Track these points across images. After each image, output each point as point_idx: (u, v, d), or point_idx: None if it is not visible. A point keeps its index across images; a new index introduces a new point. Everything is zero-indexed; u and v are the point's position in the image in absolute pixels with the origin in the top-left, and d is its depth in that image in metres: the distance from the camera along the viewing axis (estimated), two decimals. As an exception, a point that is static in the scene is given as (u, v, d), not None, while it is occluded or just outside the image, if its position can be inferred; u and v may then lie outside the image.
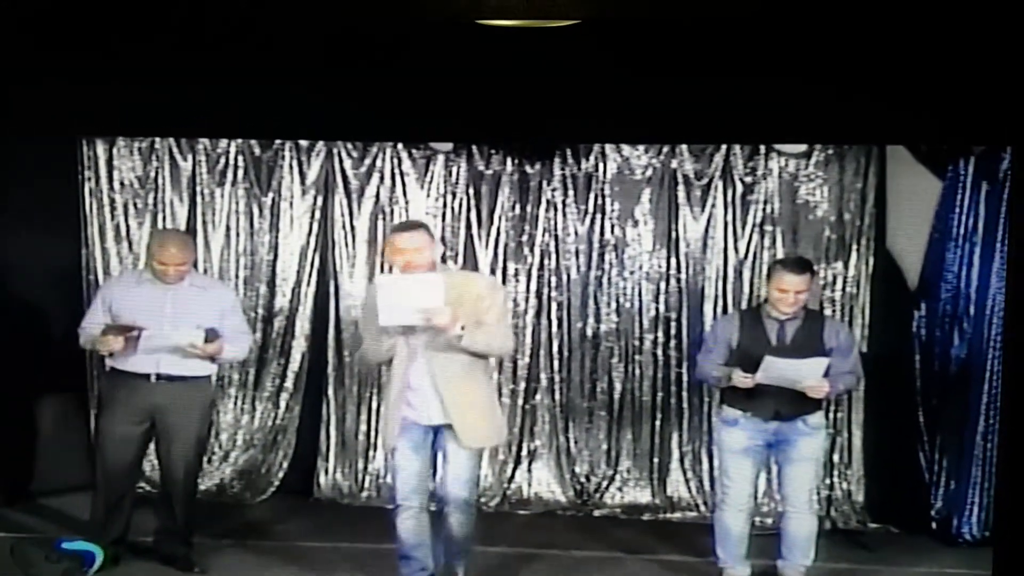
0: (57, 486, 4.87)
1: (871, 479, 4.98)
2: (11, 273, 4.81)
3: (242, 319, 4.20)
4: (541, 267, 5.14)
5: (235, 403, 5.25)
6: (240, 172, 5.21)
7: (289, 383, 5.21)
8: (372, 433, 5.20)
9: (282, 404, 5.22)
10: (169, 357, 3.89)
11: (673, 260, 5.07)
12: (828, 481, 4.92)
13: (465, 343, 3.56)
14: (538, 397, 5.16)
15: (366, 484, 5.19)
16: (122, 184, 5.22)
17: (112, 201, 5.23)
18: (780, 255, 4.89)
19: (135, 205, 5.24)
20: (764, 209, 5.01)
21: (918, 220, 4.85)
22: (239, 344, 4.10)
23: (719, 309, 5.01)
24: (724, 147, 5.00)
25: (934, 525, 4.75)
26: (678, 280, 5.07)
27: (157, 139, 5.19)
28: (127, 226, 5.22)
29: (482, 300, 3.65)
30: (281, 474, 5.21)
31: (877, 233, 4.96)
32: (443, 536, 3.80)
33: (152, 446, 4.12)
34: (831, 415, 4.82)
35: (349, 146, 5.17)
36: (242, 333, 4.13)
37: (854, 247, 4.96)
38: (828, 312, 4.82)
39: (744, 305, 4.92)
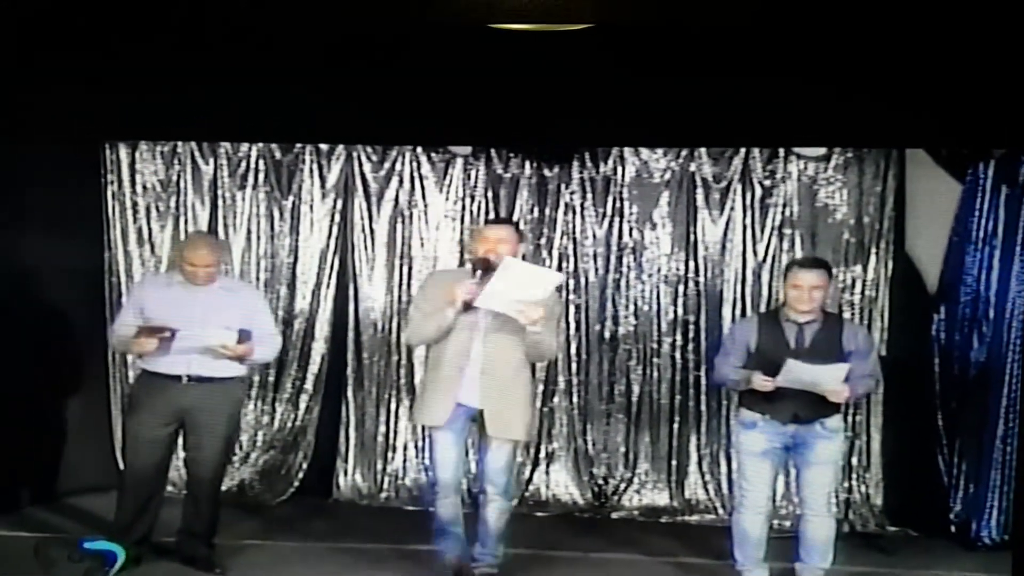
0: (80, 486, 4.92)
1: (890, 482, 4.98)
2: (35, 276, 4.86)
3: (271, 321, 4.24)
4: (559, 270, 5.13)
5: (255, 404, 5.28)
6: (261, 176, 5.26)
7: (309, 385, 5.25)
8: (391, 434, 5.24)
9: (302, 406, 5.26)
10: (200, 358, 3.91)
11: (691, 263, 5.07)
12: (847, 484, 4.91)
13: (532, 337, 3.72)
14: (556, 399, 5.18)
15: (385, 485, 5.22)
16: (144, 188, 5.28)
17: (134, 204, 5.28)
18: (796, 256, 4.90)
19: (157, 208, 5.29)
20: (783, 212, 5.01)
21: (937, 223, 4.84)
22: (268, 345, 4.13)
23: (738, 312, 5.02)
24: (743, 150, 5.01)
25: (953, 528, 4.74)
26: (696, 283, 5.08)
27: (179, 143, 5.24)
28: (149, 229, 5.27)
29: (550, 300, 3.81)
30: (301, 475, 5.24)
31: (896, 236, 4.95)
32: (479, 533, 3.92)
33: (180, 447, 4.14)
34: (850, 418, 4.82)
35: (369, 150, 5.21)
36: (270, 335, 4.16)
37: (873, 250, 4.95)
38: (847, 315, 4.82)
39: (763, 308, 4.93)
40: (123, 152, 5.27)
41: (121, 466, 4.14)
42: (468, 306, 3.73)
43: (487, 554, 3.95)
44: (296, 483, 5.22)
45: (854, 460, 4.95)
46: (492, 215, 5.06)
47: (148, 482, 4.03)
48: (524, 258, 4.35)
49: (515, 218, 5.03)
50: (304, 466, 5.24)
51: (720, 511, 4.99)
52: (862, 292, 4.95)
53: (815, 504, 3.94)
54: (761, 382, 3.79)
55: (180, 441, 4.09)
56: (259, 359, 4.18)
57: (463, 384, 3.77)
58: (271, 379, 5.26)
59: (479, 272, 3.76)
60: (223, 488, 5.09)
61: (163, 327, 3.86)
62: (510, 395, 3.80)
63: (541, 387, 5.11)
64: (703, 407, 5.07)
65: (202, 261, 3.96)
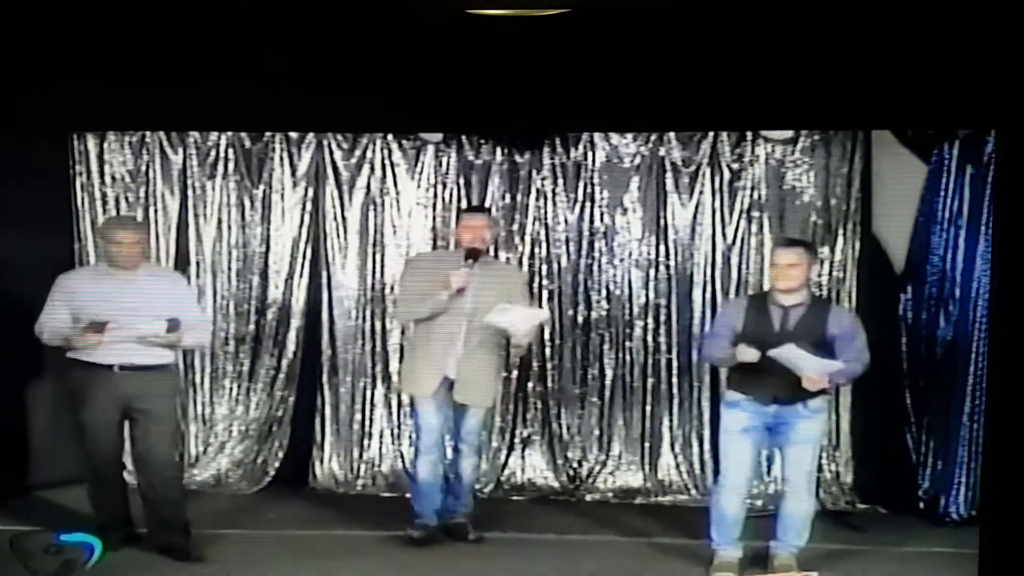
0: (53, 479, 4.89)
1: (859, 460, 5.04)
2: (3, 268, 4.82)
3: (199, 307, 4.31)
4: (532, 256, 5.16)
5: (230, 394, 5.28)
6: (231, 165, 5.22)
7: (283, 374, 5.24)
8: (367, 422, 5.25)
9: (277, 395, 5.25)
10: (131, 347, 3.95)
11: (662, 247, 5.10)
12: (817, 463, 4.98)
13: (520, 342, 4.42)
14: (530, 384, 5.21)
15: (362, 472, 5.23)
16: (113, 178, 5.23)
17: (104, 195, 5.23)
18: (767, 241, 4.94)
19: (127, 199, 5.24)
20: (751, 195, 5.04)
21: (903, 204, 4.88)
22: (199, 331, 4.20)
23: (708, 295, 5.06)
24: (711, 134, 5.03)
25: (921, 505, 4.82)
26: (667, 267, 5.11)
27: (147, 133, 5.19)
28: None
29: (516, 291, 4.34)
30: (277, 464, 5.24)
31: (863, 218, 4.99)
32: (452, 487, 4.38)
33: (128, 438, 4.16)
34: (829, 407, 4.86)
35: (339, 137, 5.19)
36: (201, 320, 4.23)
37: (840, 232, 5.00)
38: (842, 306, 4.80)
39: (733, 291, 4.98)
40: (91, 143, 5.22)
41: (86, 458, 4.14)
42: (461, 291, 4.15)
43: (460, 505, 4.39)
44: (272, 472, 5.22)
45: (824, 439, 5.00)
46: (467, 203, 5.08)
47: (110, 467, 4.08)
48: (496, 243, 4.79)
49: (487, 205, 5.07)
50: (280, 455, 5.25)
51: (693, 491, 5.05)
52: (830, 273, 5.00)
53: (796, 483, 4.01)
54: (745, 350, 3.84)
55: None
56: (190, 345, 4.25)
57: (451, 359, 4.17)
58: (245, 368, 5.25)
59: (470, 260, 4.18)
60: (200, 478, 5.18)
61: (102, 321, 3.88)
62: (487, 370, 4.28)
63: (516, 372, 5.14)
64: (675, 389, 5.12)
65: (127, 239, 4.00)
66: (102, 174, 5.23)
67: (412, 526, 4.34)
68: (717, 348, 4.03)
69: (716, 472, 4.34)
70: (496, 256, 4.85)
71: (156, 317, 3.95)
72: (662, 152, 5.08)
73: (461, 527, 4.37)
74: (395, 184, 5.20)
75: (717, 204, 5.07)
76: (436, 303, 4.18)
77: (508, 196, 5.16)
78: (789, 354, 3.83)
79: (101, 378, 3.98)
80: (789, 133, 4.97)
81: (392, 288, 5.13)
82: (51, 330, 4.04)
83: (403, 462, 5.19)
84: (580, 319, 5.16)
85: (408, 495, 4.55)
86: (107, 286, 4.00)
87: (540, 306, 5.11)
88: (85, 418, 4.05)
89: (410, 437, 4.91)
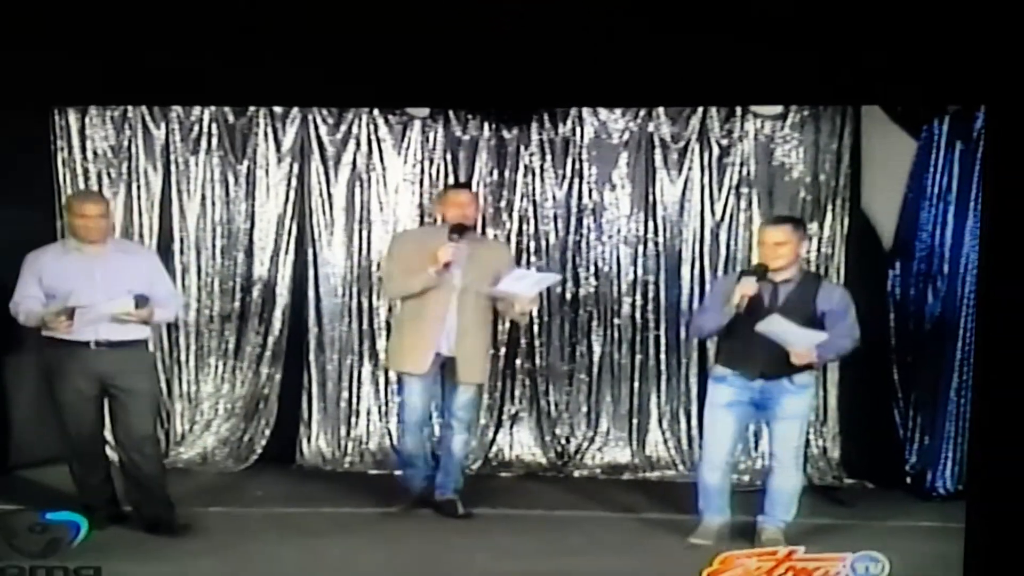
0: (37, 458, 4.85)
1: (846, 436, 5.06)
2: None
3: (169, 281, 4.27)
4: (520, 232, 5.14)
5: (215, 372, 5.25)
6: (214, 140, 5.17)
7: (269, 352, 5.21)
8: (354, 399, 5.23)
9: (263, 372, 5.23)
10: (106, 324, 3.93)
11: (651, 223, 5.09)
12: (804, 438, 5.00)
13: (524, 308, 4.25)
14: (518, 361, 5.20)
15: (349, 450, 5.22)
16: (95, 154, 5.17)
17: (86, 171, 5.17)
18: (756, 217, 4.93)
19: (109, 175, 5.18)
20: (740, 171, 5.03)
21: (893, 180, 4.88)
22: (170, 306, 4.18)
23: (696, 272, 5.06)
24: (700, 110, 5.01)
25: (908, 480, 4.85)
26: (656, 243, 5.10)
27: (129, 107, 5.12)
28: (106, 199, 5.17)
29: (505, 264, 4.33)
30: (264, 442, 5.22)
31: (852, 193, 4.99)
32: (442, 462, 4.39)
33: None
34: (816, 383, 4.88)
35: (324, 112, 5.14)
36: (171, 295, 4.22)
37: (829, 207, 5.00)
38: (832, 282, 4.77)
39: (722, 268, 4.98)
40: (72, 117, 5.15)
41: (65, 437, 4.10)
42: (447, 265, 4.14)
43: (449, 482, 4.38)
44: (259, 450, 5.20)
45: (811, 415, 5.02)
46: (452, 179, 5.05)
47: (90, 445, 4.06)
48: (483, 220, 4.85)
49: (474, 181, 5.04)
50: (267, 433, 5.22)
51: (680, 467, 5.07)
52: (818, 249, 5.00)
53: (783, 458, 4.03)
54: (746, 285, 3.82)
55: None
56: (161, 320, 4.21)
57: (443, 335, 4.17)
58: (231, 346, 5.22)
59: (455, 235, 4.15)
60: (186, 456, 5.16)
61: (71, 307, 3.87)
62: (478, 345, 4.28)
63: (504, 350, 5.14)
64: (663, 366, 5.12)
65: (92, 211, 3.98)
66: (84, 149, 5.16)
67: (402, 499, 4.37)
68: (709, 320, 4.03)
69: (701, 452, 4.34)
70: (483, 232, 4.84)
71: (127, 292, 3.93)
72: (651, 128, 5.06)
73: (450, 503, 4.36)
74: (381, 160, 5.16)
75: (706, 180, 5.06)
76: (425, 278, 4.16)
77: (496, 172, 5.13)
78: (775, 326, 3.82)
79: (77, 355, 3.95)
80: (779, 108, 4.95)
81: (378, 265, 5.11)
82: (26, 311, 4.00)
83: (390, 439, 5.19)
84: (568, 296, 5.15)
85: (396, 472, 4.59)
86: (76, 262, 3.97)
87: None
88: (63, 396, 4.01)
89: (397, 413, 4.90)
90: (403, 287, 4.28)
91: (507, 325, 5.13)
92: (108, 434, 4.23)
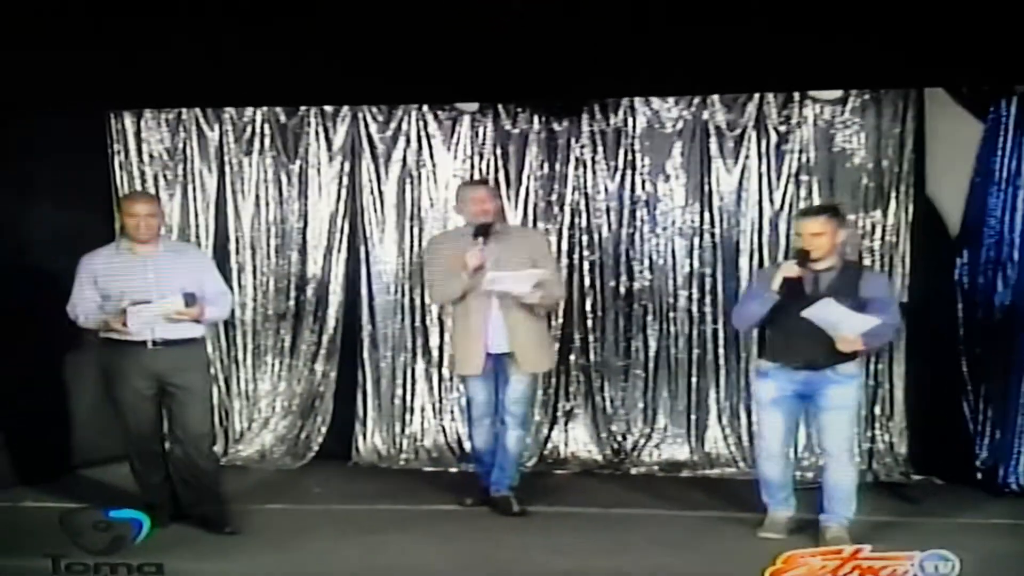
0: (100, 456, 4.94)
1: (914, 430, 4.92)
2: (45, 249, 4.85)
3: (220, 280, 4.30)
4: (572, 226, 5.09)
5: (272, 370, 5.30)
6: (267, 140, 5.21)
7: (324, 349, 5.24)
8: (408, 396, 5.23)
9: (318, 370, 5.26)
10: (162, 323, 3.98)
11: (706, 214, 4.99)
12: (870, 434, 4.87)
13: (532, 300, 4.19)
14: (572, 357, 5.14)
15: (404, 447, 5.23)
16: (151, 156, 5.26)
17: (142, 174, 5.26)
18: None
19: (165, 177, 5.27)
20: (799, 159, 4.91)
21: (959, 164, 4.72)
22: (221, 304, 4.21)
23: (755, 263, 4.94)
24: (757, 96, 4.89)
25: (979, 475, 4.69)
26: (712, 235, 5.00)
27: (183, 110, 5.20)
28: (158, 198, 5.24)
29: (540, 253, 4.31)
30: (320, 439, 5.25)
31: (916, 179, 4.84)
32: (498, 461, 4.37)
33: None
34: (872, 366, 4.78)
35: (374, 110, 5.14)
36: (222, 293, 4.24)
37: (893, 194, 4.85)
38: (867, 262, 4.74)
39: (780, 258, 4.85)
40: (128, 121, 5.24)
41: (125, 435, 4.17)
42: (479, 269, 4.12)
43: (504, 479, 4.37)
44: (316, 447, 5.24)
45: (877, 409, 4.90)
46: (468, 176, 5.02)
47: (151, 443, 4.13)
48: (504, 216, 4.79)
49: (486, 176, 5.02)
50: (323, 430, 5.25)
51: (740, 464, 4.96)
52: (882, 238, 4.86)
53: (834, 451, 3.96)
54: (787, 266, 3.81)
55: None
56: (213, 318, 4.24)
57: (490, 333, 4.20)
58: (286, 344, 5.27)
59: (480, 238, 4.14)
60: (244, 454, 5.22)
61: (123, 308, 3.93)
62: (532, 335, 4.27)
63: (557, 345, 5.08)
64: (721, 360, 5.03)
65: (142, 210, 4.03)
66: (140, 152, 5.25)
67: (477, 494, 4.42)
68: (750, 308, 3.97)
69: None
70: (514, 223, 4.82)
71: (179, 290, 3.98)
72: (705, 116, 4.95)
73: (505, 500, 4.35)
74: (431, 156, 5.15)
75: (764, 168, 4.94)
76: (461, 284, 4.17)
77: (546, 165, 5.08)
78: (826, 311, 3.73)
79: (135, 355, 4.01)
80: (838, 93, 4.81)
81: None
82: (84, 313, 4.08)
83: (445, 436, 5.19)
84: (622, 290, 5.08)
85: (456, 469, 4.75)
86: (128, 262, 4.04)
87: (581, 277, 5.07)
88: (122, 396, 4.08)
89: (462, 411, 4.95)
90: (444, 293, 4.34)
91: (560, 321, 5.09)
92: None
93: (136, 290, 3.97)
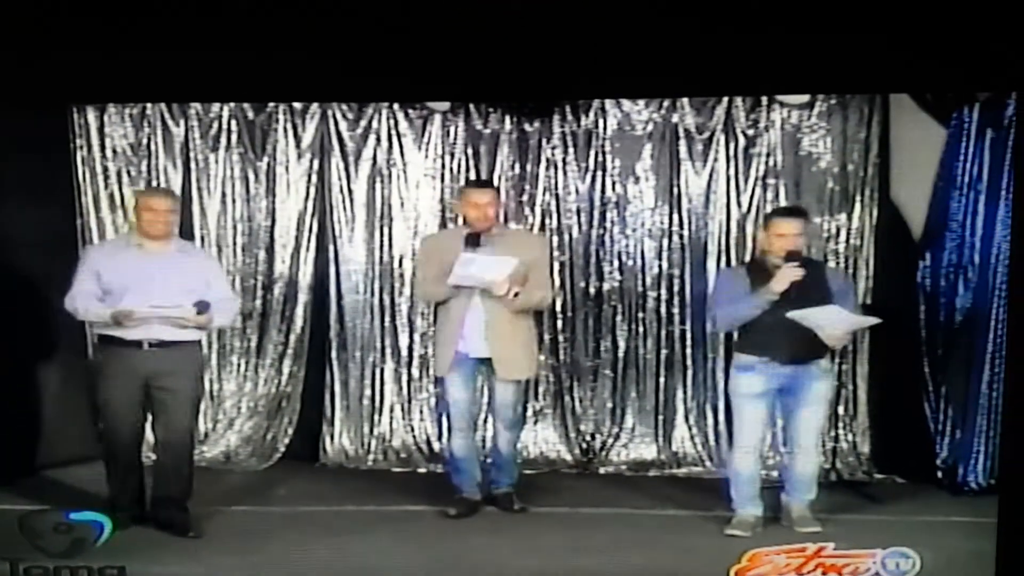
0: (61, 458, 4.87)
1: (876, 430, 5.00)
2: (6, 245, 4.76)
3: (228, 285, 4.27)
4: (543, 227, 5.09)
5: (238, 370, 5.23)
6: (234, 137, 5.14)
7: (292, 349, 5.20)
8: (376, 397, 5.20)
9: (285, 370, 5.21)
10: (159, 324, 3.91)
11: (675, 216, 5.02)
12: (833, 433, 4.94)
13: (516, 305, 4.16)
14: (541, 357, 5.14)
15: (372, 447, 5.20)
16: (115, 152, 5.16)
17: (105, 169, 5.16)
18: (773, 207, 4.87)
19: (129, 173, 5.17)
20: (767, 162, 4.96)
21: (922, 169, 4.80)
22: (227, 311, 4.15)
23: (723, 264, 4.98)
24: (725, 99, 4.93)
25: (940, 474, 4.77)
26: (681, 236, 5.04)
27: (148, 105, 5.11)
28: (121, 195, 5.16)
29: (536, 257, 4.27)
30: (287, 440, 5.20)
31: (881, 183, 4.91)
32: (495, 460, 4.43)
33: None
34: (835, 367, 4.83)
35: (344, 107, 5.10)
36: (229, 299, 4.18)
37: (858, 198, 4.92)
38: (831, 264, 4.82)
39: (748, 260, 4.90)
40: (91, 115, 5.14)
41: (100, 435, 4.14)
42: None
43: (504, 476, 4.43)
44: (282, 448, 5.19)
45: (840, 409, 4.96)
46: (474, 176, 5.01)
47: (131, 446, 4.05)
48: (506, 218, 4.77)
49: (495, 175, 5.00)
50: (290, 431, 5.21)
51: (707, 463, 5.01)
52: (847, 240, 4.93)
53: (806, 442, 4.10)
54: (790, 270, 3.88)
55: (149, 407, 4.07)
56: (220, 325, 4.19)
57: (463, 335, 4.18)
58: (253, 344, 5.21)
59: (470, 248, 4.12)
60: (209, 455, 5.16)
61: (127, 310, 3.85)
62: (515, 340, 4.24)
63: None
64: (689, 360, 5.06)
65: (161, 206, 3.97)
66: (103, 147, 5.15)
67: (452, 502, 4.35)
68: (742, 310, 4.01)
69: (731, 441, 4.40)
70: (507, 224, 4.79)
71: (189, 292, 3.92)
72: (675, 119, 4.99)
73: (506, 497, 4.40)
74: (402, 155, 5.11)
75: (732, 171, 4.98)
76: (445, 291, 4.18)
77: (517, 166, 5.08)
78: (828, 314, 3.87)
79: (128, 355, 3.93)
80: (805, 97, 4.87)
81: (400, 261, 5.10)
82: (84, 305, 3.98)
83: (414, 437, 5.16)
84: (592, 290, 5.09)
85: (425, 469, 4.77)
86: (136, 259, 3.95)
87: (551, 278, 5.06)
88: (109, 394, 4.01)
89: (431, 412, 5.00)
90: (428, 294, 4.38)
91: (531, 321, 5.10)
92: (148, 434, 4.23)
93: (140, 289, 3.88)
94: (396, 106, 5.06)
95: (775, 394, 4.08)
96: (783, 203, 4.90)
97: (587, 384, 5.15)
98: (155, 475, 4.13)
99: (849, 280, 4.29)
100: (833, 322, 3.94)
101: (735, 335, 4.30)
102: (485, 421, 4.86)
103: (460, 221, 4.45)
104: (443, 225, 5.02)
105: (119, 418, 4.01)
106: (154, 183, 5.16)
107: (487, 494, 4.41)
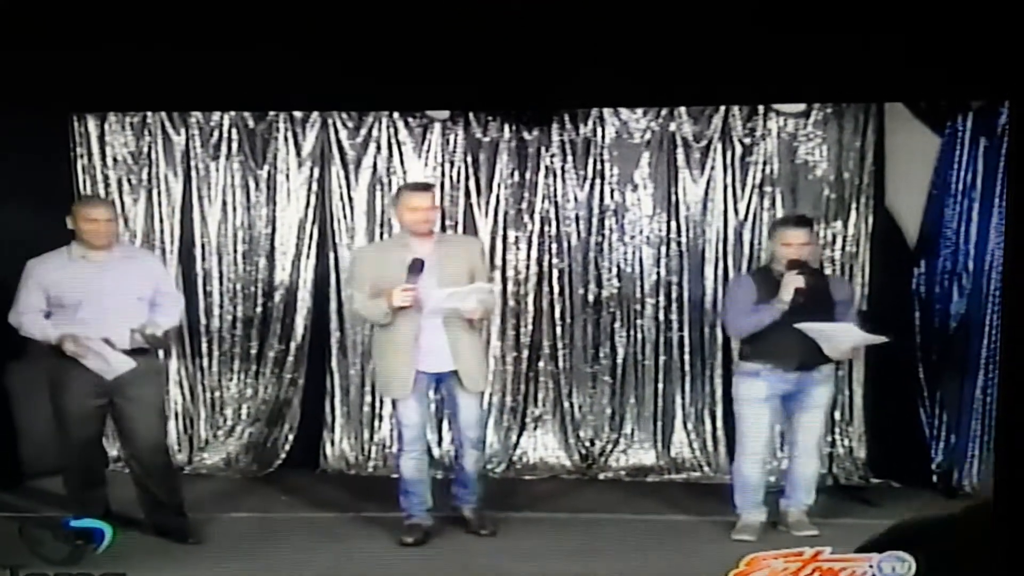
0: (52, 467, 4.86)
1: (872, 435, 5.04)
2: (5, 252, 4.76)
3: (173, 284, 4.28)
4: (541, 234, 5.12)
5: (239, 377, 5.25)
6: (234, 145, 5.17)
7: (292, 356, 5.21)
8: (376, 404, 5.22)
9: (286, 377, 5.23)
10: (117, 334, 3.88)
11: (673, 224, 5.06)
12: (830, 438, 4.96)
13: (477, 315, 4.03)
14: (541, 364, 5.18)
15: (372, 454, 5.22)
16: (115, 160, 5.18)
17: (106, 178, 5.18)
18: (780, 216, 4.90)
19: (129, 181, 5.19)
20: (763, 170, 5.00)
21: (917, 177, 4.84)
22: (171, 311, 4.14)
23: (720, 272, 5.03)
24: (723, 108, 4.97)
25: (935, 478, 4.81)
26: (678, 244, 5.07)
27: (148, 113, 5.13)
28: (122, 203, 5.18)
29: (476, 262, 4.14)
30: (287, 446, 5.22)
31: (876, 191, 4.96)
32: (459, 477, 4.26)
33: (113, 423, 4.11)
34: (832, 374, 4.88)
35: (344, 116, 5.13)
36: (174, 299, 4.19)
37: (853, 206, 4.96)
38: (828, 271, 4.84)
39: (745, 266, 4.94)
40: (92, 124, 5.16)
41: (66, 444, 4.04)
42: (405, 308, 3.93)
43: (468, 494, 4.26)
44: (283, 455, 5.21)
45: (837, 414, 4.99)
46: (411, 179, 4.93)
47: (90, 455, 4.02)
48: (443, 226, 4.71)
49: (432, 182, 4.89)
50: (290, 438, 5.22)
51: (706, 468, 5.05)
52: (843, 248, 4.97)
53: (807, 446, 4.17)
54: (793, 279, 3.94)
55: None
56: (166, 326, 4.10)
57: (425, 351, 3.99)
58: (254, 351, 5.22)
59: (412, 277, 3.91)
60: (210, 462, 5.17)
61: (76, 338, 3.82)
62: (475, 351, 4.15)
63: (526, 352, 5.13)
64: (687, 367, 5.10)
65: (101, 215, 3.96)
66: (104, 156, 5.17)
67: (403, 529, 4.15)
68: (756, 319, 4.04)
69: (730, 448, 4.48)
70: (444, 229, 4.68)
71: (139, 299, 3.93)
72: (672, 127, 5.03)
73: (479, 517, 4.25)
74: (402, 163, 5.14)
75: (729, 179, 5.02)
76: (383, 315, 3.95)
77: (517, 174, 5.11)
78: (838, 330, 3.96)
79: (84, 365, 3.87)
80: (802, 106, 4.92)
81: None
82: (29, 322, 3.92)
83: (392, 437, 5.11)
84: (591, 298, 5.13)
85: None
86: (82, 270, 3.92)
87: (550, 285, 5.10)
88: (67, 405, 3.94)
89: (391, 434, 4.92)
90: (372, 318, 4.06)
91: (529, 327, 5.13)
92: (115, 447, 4.23)
93: (91, 300, 3.86)
94: (396, 115, 5.09)
95: (779, 400, 4.13)
96: (780, 211, 4.96)
97: (586, 390, 5.17)
98: (137, 486, 4.09)
99: (853, 290, 4.35)
100: (842, 338, 4.01)
101: (737, 341, 4.35)
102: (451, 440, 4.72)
103: (396, 227, 4.27)
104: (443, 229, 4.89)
105: (80, 429, 3.94)
106: (155, 192, 5.19)
107: (454, 513, 4.24)
